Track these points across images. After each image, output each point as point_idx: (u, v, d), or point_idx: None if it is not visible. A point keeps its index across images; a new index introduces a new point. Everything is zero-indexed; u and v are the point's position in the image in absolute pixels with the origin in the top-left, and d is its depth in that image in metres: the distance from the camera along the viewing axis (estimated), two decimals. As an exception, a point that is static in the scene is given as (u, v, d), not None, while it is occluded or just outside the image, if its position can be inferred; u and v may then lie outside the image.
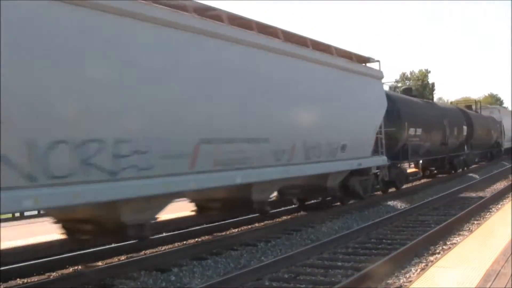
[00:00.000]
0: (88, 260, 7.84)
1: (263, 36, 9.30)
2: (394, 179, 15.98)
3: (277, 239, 9.53)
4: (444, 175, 22.32)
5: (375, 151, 13.65)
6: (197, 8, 7.90)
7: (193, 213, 10.00)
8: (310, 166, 10.47)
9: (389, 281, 6.51)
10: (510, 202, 11.73)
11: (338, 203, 13.26)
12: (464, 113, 25.29)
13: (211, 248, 8.57)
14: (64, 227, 7.36)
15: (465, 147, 24.56)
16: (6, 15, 5.14)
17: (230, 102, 8.22)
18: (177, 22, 7.32)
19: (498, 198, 14.56)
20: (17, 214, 12.06)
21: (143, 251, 8.52)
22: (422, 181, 20.87)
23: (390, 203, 14.41)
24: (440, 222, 10.52)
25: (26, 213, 11.82)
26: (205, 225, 10.54)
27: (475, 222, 10.74)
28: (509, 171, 23.71)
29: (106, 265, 7.67)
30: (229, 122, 8.20)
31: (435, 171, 22.47)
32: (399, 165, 16.77)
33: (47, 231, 8.33)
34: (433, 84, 68.11)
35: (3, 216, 10.92)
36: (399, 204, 14.26)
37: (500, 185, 18.26)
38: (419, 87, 60.88)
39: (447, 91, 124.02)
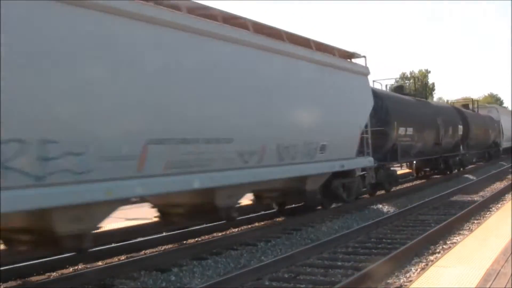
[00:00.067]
0: (88, 260, 7.84)
1: (228, 27, 8.50)
2: (382, 181, 15.17)
3: (277, 238, 9.53)
4: (438, 177, 21.53)
5: (361, 152, 12.93)
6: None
7: (156, 219, 9.11)
8: (283, 168, 9.72)
9: (389, 281, 6.51)
10: (511, 202, 11.71)
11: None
12: (460, 112, 24.70)
13: (211, 248, 8.57)
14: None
15: (461, 147, 23.91)
16: None
17: (185, 98, 7.43)
18: (110, 6, 6.43)
19: (497, 198, 14.55)
20: None
21: (143, 251, 8.52)
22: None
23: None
24: (440, 221, 10.52)
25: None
26: (205, 225, 10.53)
27: (475, 221, 10.73)
28: (507, 172, 23.39)
29: (106, 265, 7.67)
30: (185, 121, 7.42)
31: (430, 172, 21.78)
32: (388, 166, 16.02)
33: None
34: (433, 84, 68.24)
35: None
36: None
37: (494, 189, 17.29)
38: (419, 87, 61.01)
39: (447, 91, 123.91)
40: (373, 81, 18.30)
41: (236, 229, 10.38)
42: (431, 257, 7.57)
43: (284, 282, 6.75)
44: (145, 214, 9.77)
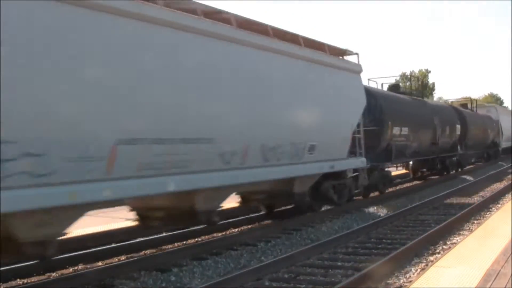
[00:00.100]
0: (88, 260, 7.84)
1: (209, 21, 7.98)
2: (376, 183, 14.64)
3: (277, 239, 9.53)
4: (435, 177, 21.03)
5: (353, 153, 12.46)
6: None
7: (136, 223, 8.63)
8: (268, 170, 9.20)
9: (389, 281, 6.51)
10: (511, 202, 11.72)
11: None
12: (458, 111, 24.22)
13: (211, 248, 8.57)
14: None
15: (459, 147, 23.35)
16: None
17: (161, 95, 6.90)
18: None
19: (497, 198, 14.55)
20: None
21: (143, 251, 8.52)
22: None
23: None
24: (440, 221, 10.52)
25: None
26: (205, 225, 10.53)
27: (475, 221, 10.74)
28: (506, 172, 23.16)
29: (106, 265, 7.67)
30: (159, 119, 6.91)
31: (427, 173, 21.22)
32: (382, 167, 15.48)
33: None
34: (433, 84, 68.21)
35: None
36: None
37: (494, 189, 16.95)
38: (419, 87, 60.98)
39: (447, 91, 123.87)
40: (368, 79, 17.73)
41: (236, 229, 10.38)
42: (431, 258, 7.58)
43: (284, 282, 6.75)
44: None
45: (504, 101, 79.22)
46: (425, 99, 22.00)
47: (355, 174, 12.90)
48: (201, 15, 7.83)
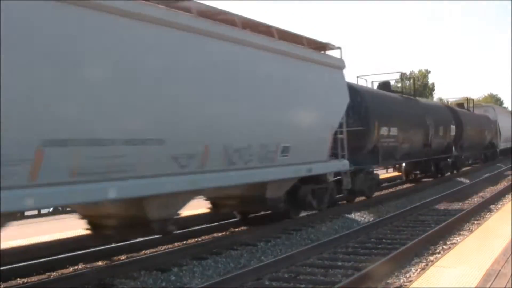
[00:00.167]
0: (88, 260, 7.84)
1: (159, 7, 7.04)
2: (361, 187, 13.66)
3: (277, 238, 9.53)
4: (429, 180, 20.10)
5: (335, 155, 11.58)
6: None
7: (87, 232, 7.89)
8: (233, 174, 8.31)
9: (389, 281, 6.51)
10: (511, 202, 11.72)
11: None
12: (453, 111, 23.25)
13: (211, 248, 8.57)
14: None
15: (454, 149, 22.27)
16: None
17: (95, 90, 6.00)
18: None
19: (498, 198, 14.55)
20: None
21: (143, 251, 8.53)
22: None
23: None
24: (440, 222, 10.52)
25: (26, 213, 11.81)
26: (205, 225, 10.55)
27: (475, 222, 10.74)
28: (502, 175, 22.75)
29: (106, 265, 7.67)
30: (95, 118, 6.05)
31: (420, 176, 20.40)
32: (370, 170, 14.38)
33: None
34: (433, 84, 68.23)
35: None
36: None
37: (493, 190, 16.49)
38: (419, 87, 61.00)
39: (447, 91, 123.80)
40: (357, 77, 16.86)
41: (236, 229, 10.38)
42: (431, 257, 7.58)
43: (284, 282, 6.75)
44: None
45: (504, 101, 79.27)
46: (418, 98, 20.79)
47: (338, 177, 12.18)
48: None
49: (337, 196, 12.88)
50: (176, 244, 9.08)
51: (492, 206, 13.02)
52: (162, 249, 8.73)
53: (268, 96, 9.08)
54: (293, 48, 10.09)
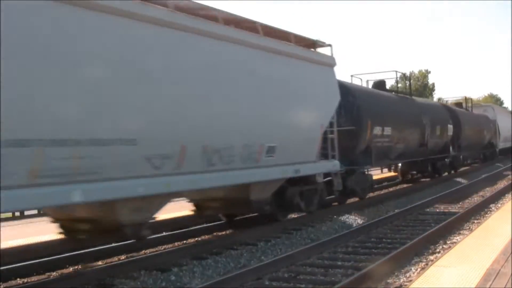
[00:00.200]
0: (88, 259, 7.84)
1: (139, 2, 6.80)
2: (353, 188, 13.28)
3: (277, 238, 9.53)
4: (426, 180, 19.84)
5: (324, 155, 11.28)
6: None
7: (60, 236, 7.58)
8: (213, 175, 7.93)
9: (389, 281, 6.51)
10: (510, 201, 11.72)
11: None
12: (450, 110, 22.83)
13: (211, 248, 8.57)
14: None
15: (451, 149, 21.91)
16: None
17: (60, 87, 5.66)
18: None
19: (498, 197, 14.54)
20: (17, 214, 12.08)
21: (143, 251, 8.53)
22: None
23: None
24: (440, 221, 10.52)
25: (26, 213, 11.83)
26: (205, 225, 10.54)
27: (475, 221, 10.74)
28: (503, 174, 22.67)
29: (106, 265, 7.67)
30: (58, 117, 5.68)
31: (417, 176, 20.15)
32: (362, 170, 14.07)
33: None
34: (433, 85, 68.18)
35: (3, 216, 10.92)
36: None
37: (493, 190, 16.34)
38: (419, 87, 60.95)
39: (447, 91, 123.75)
40: (351, 75, 16.58)
41: (236, 229, 10.37)
42: (431, 257, 7.58)
43: (284, 282, 6.75)
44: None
45: (504, 101, 79.28)
46: (414, 97, 20.42)
47: (328, 178, 11.76)
48: None
49: (329, 197, 12.59)
50: (176, 243, 9.09)
51: (492, 205, 13.02)
52: (162, 249, 8.74)
53: (251, 94, 8.76)
54: (279, 44, 9.76)
